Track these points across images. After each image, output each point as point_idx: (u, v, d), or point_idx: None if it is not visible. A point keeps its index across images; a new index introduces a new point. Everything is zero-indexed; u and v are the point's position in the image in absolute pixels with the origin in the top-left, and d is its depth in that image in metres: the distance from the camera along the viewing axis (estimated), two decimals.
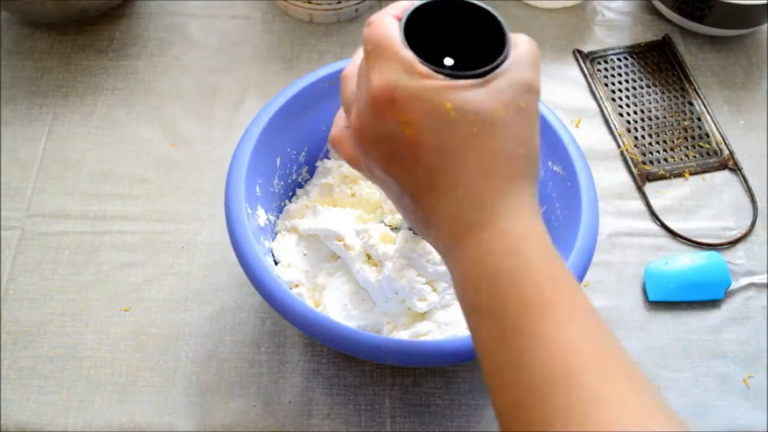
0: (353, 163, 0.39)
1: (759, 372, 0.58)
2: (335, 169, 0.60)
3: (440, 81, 0.34)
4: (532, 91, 0.35)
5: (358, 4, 0.76)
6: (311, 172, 0.61)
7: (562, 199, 0.54)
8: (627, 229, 0.65)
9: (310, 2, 0.75)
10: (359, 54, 0.38)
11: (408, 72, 0.34)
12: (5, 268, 0.60)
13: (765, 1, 0.71)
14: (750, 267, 0.63)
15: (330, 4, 0.75)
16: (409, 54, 0.34)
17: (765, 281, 0.62)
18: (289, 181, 0.59)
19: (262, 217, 0.54)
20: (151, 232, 0.63)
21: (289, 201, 0.60)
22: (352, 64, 0.39)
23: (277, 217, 0.58)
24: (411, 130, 0.34)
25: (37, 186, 0.65)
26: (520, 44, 0.36)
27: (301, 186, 0.61)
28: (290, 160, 0.58)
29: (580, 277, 0.48)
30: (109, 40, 0.75)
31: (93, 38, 0.75)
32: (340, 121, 0.40)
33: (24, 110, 0.69)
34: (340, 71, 0.57)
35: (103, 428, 0.54)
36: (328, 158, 0.61)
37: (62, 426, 0.54)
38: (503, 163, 0.34)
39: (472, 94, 0.34)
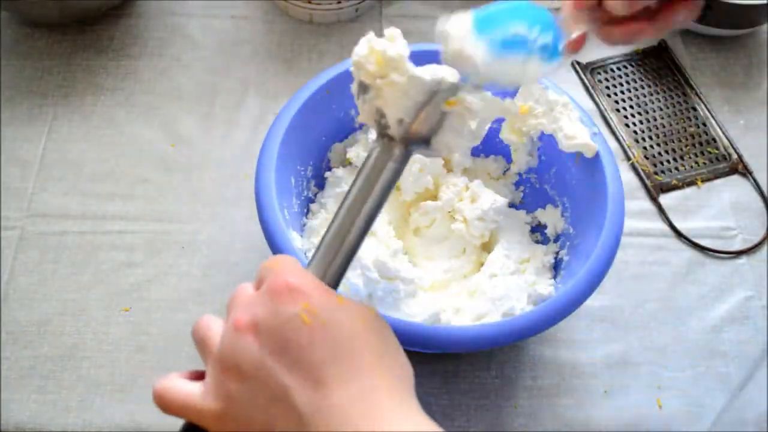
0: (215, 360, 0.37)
1: (759, 372, 0.58)
2: (347, 177, 0.59)
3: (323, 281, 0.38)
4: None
5: (358, 4, 0.76)
6: (319, 185, 0.61)
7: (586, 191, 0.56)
8: (627, 228, 0.65)
9: (310, 2, 0.75)
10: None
11: (307, 273, 0.37)
12: (5, 268, 0.60)
13: (765, 1, 0.71)
14: None
15: (330, 4, 0.75)
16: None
17: None
18: (303, 198, 0.59)
19: (297, 240, 0.54)
20: (151, 232, 0.63)
21: (305, 218, 0.59)
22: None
23: (302, 237, 0.57)
24: (308, 317, 0.34)
25: (37, 186, 0.65)
26: None
27: (312, 201, 0.60)
28: (301, 176, 0.58)
29: (603, 272, 0.50)
30: (109, 40, 0.75)
31: (93, 38, 0.75)
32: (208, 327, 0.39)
33: (24, 110, 0.69)
34: (335, 78, 0.57)
35: (103, 428, 0.54)
36: (329, 169, 0.61)
37: (62, 426, 0.54)
38: (389, 356, 0.36)
39: (354, 299, 0.38)
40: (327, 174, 0.60)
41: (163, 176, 0.66)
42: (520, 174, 0.63)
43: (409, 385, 0.36)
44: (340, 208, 0.40)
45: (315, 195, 0.61)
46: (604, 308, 0.61)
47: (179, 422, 0.54)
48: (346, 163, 0.61)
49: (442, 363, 0.58)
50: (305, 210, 0.59)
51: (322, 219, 0.57)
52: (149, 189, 0.65)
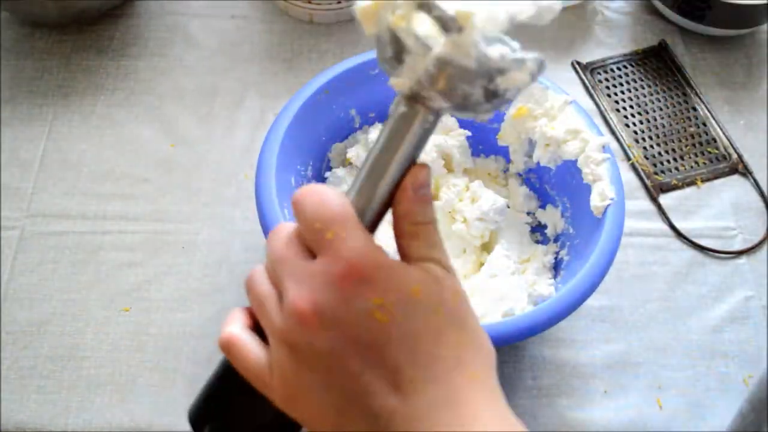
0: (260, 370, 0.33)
1: (759, 372, 0.58)
2: (348, 177, 0.59)
3: (399, 262, 0.32)
4: (454, 274, 0.33)
5: None
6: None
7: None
8: (627, 228, 0.65)
9: (310, 2, 0.75)
10: (281, 238, 0.33)
11: (377, 248, 0.31)
12: (5, 268, 0.60)
13: (765, 1, 0.71)
14: None
15: (330, 4, 0.75)
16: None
17: None
18: None
19: None
20: (151, 232, 0.63)
21: None
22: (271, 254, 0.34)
23: None
24: (382, 315, 0.30)
25: (37, 186, 0.65)
26: None
27: None
28: (301, 176, 0.58)
29: (603, 272, 0.50)
30: (109, 40, 0.74)
31: (93, 38, 0.74)
32: (237, 318, 0.36)
33: (24, 110, 0.69)
34: (335, 78, 0.57)
35: (103, 428, 0.54)
36: (329, 169, 0.61)
37: (62, 426, 0.54)
38: (472, 354, 0.32)
39: (429, 278, 0.32)
40: (327, 174, 0.60)
41: (163, 176, 0.66)
42: (519, 174, 0.63)
43: (491, 370, 0.33)
44: (362, 169, 0.34)
45: None
46: (604, 308, 0.61)
47: (179, 424, 0.54)
48: (346, 163, 0.61)
49: None
50: None
51: None
52: (149, 189, 0.65)
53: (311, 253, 0.32)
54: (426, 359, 0.30)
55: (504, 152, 0.63)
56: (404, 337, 0.30)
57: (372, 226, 0.34)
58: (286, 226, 0.34)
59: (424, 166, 0.33)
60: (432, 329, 0.31)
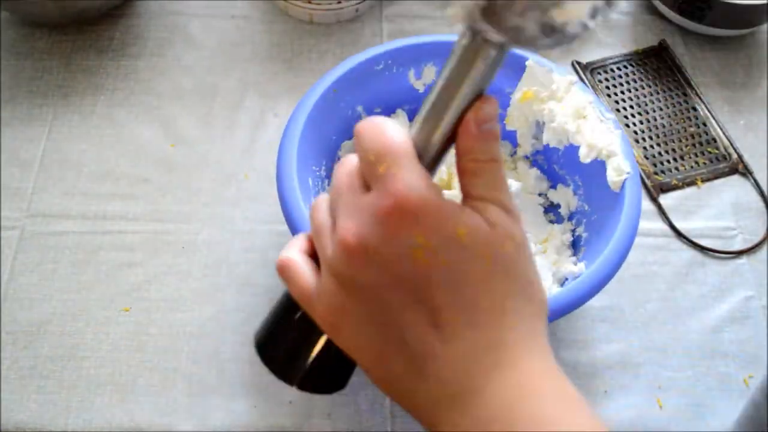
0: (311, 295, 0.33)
1: (759, 372, 0.58)
2: None
3: (451, 202, 0.30)
4: (521, 222, 0.32)
5: (358, 4, 0.76)
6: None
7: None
8: None
9: (310, 2, 0.75)
10: (346, 167, 0.33)
11: (429, 186, 0.30)
12: (5, 268, 0.60)
13: (765, 1, 0.71)
14: None
15: (330, 4, 0.75)
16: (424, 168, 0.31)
17: None
18: None
19: None
20: (151, 232, 0.63)
21: None
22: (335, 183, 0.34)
23: None
24: (425, 255, 0.29)
25: (37, 186, 0.65)
26: None
27: None
28: (316, 176, 0.58)
29: (629, 246, 0.51)
30: (109, 40, 0.74)
31: (93, 38, 0.74)
32: (297, 242, 0.36)
33: (24, 110, 0.69)
34: (343, 76, 0.57)
35: (103, 428, 0.54)
36: None
37: (62, 426, 0.54)
38: (519, 304, 0.31)
39: (480, 222, 0.31)
40: None
41: (163, 176, 0.66)
42: (527, 156, 0.63)
43: (539, 323, 0.32)
44: (424, 106, 0.33)
45: None
46: (604, 308, 0.61)
47: (179, 424, 0.54)
48: None
49: None
50: None
51: None
52: (149, 189, 0.65)
53: (368, 187, 0.32)
54: (467, 304, 0.30)
55: (510, 137, 0.63)
56: (445, 279, 0.30)
57: (432, 164, 0.33)
58: (351, 158, 0.34)
59: (489, 98, 0.32)
60: (476, 275, 0.30)
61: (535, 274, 0.32)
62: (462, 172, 0.32)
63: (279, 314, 0.37)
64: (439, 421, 0.31)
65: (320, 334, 0.35)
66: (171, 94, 0.71)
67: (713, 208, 0.67)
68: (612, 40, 0.77)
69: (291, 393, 0.56)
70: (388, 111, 0.62)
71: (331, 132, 0.59)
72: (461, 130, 0.32)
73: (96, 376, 0.56)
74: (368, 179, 0.32)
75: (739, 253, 0.64)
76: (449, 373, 0.30)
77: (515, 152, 0.64)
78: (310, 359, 0.36)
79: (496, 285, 0.30)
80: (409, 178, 0.30)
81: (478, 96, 0.32)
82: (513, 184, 0.58)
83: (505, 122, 0.61)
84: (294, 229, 0.51)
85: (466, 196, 0.32)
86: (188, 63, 0.73)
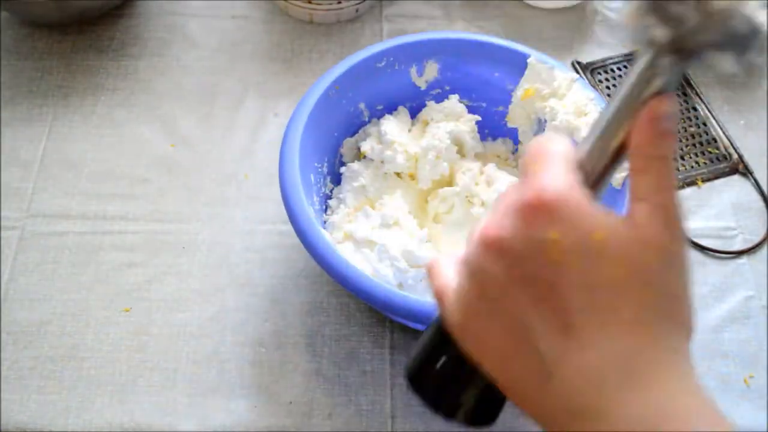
0: (445, 291, 0.33)
1: (759, 372, 0.58)
2: (363, 170, 0.60)
3: (593, 206, 0.29)
4: (680, 230, 0.30)
5: (358, 4, 0.76)
6: (333, 181, 0.61)
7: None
8: None
9: (310, 2, 0.75)
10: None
11: (572, 185, 0.29)
12: (5, 268, 0.60)
13: (765, 1, 0.71)
14: None
15: (330, 4, 0.75)
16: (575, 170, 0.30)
17: None
18: (321, 195, 0.59)
19: (327, 236, 0.53)
20: (151, 232, 0.63)
21: (325, 214, 0.59)
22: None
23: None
24: (559, 253, 0.28)
25: (37, 186, 0.65)
26: None
27: (329, 197, 0.61)
28: (318, 173, 0.58)
29: None
30: (109, 40, 0.74)
31: (93, 38, 0.74)
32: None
33: (24, 110, 0.69)
34: (344, 74, 0.57)
35: (104, 428, 0.54)
36: (342, 164, 0.61)
37: (62, 426, 0.54)
38: (656, 318, 0.29)
39: (623, 229, 0.29)
40: (342, 169, 0.61)
41: (163, 176, 0.66)
42: None
43: (680, 342, 0.29)
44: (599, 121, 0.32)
45: (331, 191, 0.61)
46: None
47: (179, 424, 0.54)
48: (360, 156, 0.62)
49: None
50: (324, 206, 0.59)
51: (342, 214, 0.58)
52: (149, 189, 0.65)
53: None
54: (598, 310, 0.28)
55: (511, 134, 0.63)
56: (575, 280, 0.28)
57: (596, 181, 0.31)
58: None
59: (666, 97, 0.30)
60: (609, 280, 0.28)
61: (684, 289, 0.30)
62: (631, 172, 0.31)
63: (432, 342, 0.36)
64: (574, 420, 0.29)
65: (474, 364, 0.33)
66: (171, 94, 0.71)
67: (713, 208, 0.67)
68: (612, 40, 0.77)
69: (291, 393, 0.56)
70: (390, 108, 0.62)
71: (333, 129, 0.59)
72: (636, 127, 0.30)
73: (96, 376, 0.56)
74: (523, 178, 0.31)
75: (739, 253, 0.64)
76: (577, 384, 0.28)
77: (516, 150, 0.64)
78: (466, 391, 0.35)
79: (630, 294, 0.29)
80: (553, 175, 0.30)
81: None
82: (514, 182, 0.58)
83: (506, 119, 0.61)
84: (296, 225, 0.51)
85: (633, 197, 0.31)
86: (188, 63, 0.73)
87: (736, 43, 0.27)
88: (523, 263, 0.29)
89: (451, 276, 0.33)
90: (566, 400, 0.29)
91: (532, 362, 0.29)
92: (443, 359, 0.35)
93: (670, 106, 0.30)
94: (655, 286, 0.29)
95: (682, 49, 0.28)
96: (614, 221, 0.29)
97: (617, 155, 0.31)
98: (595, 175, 0.31)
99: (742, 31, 0.27)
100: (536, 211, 0.29)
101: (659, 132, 0.30)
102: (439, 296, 0.33)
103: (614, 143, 0.31)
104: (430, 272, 0.35)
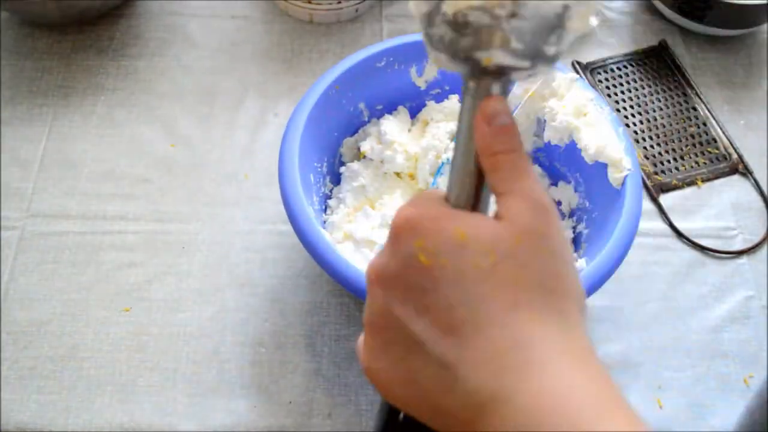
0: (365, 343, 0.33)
1: (759, 372, 0.58)
2: (363, 170, 0.60)
3: (452, 210, 0.31)
4: (547, 211, 0.31)
5: (358, 4, 0.76)
6: (333, 181, 0.61)
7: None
8: None
9: (310, 2, 0.75)
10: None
11: (428, 200, 0.32)
12: (5, 268, 0.60)
13: (765, 1, 0.71)
14: None
15: (330, 4, 0.75)
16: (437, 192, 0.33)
17: None
18: (321, 194, 0.59)
19: (327, 235, 0.54)
20: (151, 232, 0.63)
21: (324, 213, 0.59)
22: None
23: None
24: (426, 257, 0.30)
25: (37, 186, 0.65)
26: None
27: (328, 197, 0.61)
28: (318, 173, 0.58)
29: (631, 240, 0.51)
30: (109, 40, 0.74)
31: (93, 38, 0.74)
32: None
33: (24, 110, 0.69)
34: (344, 73, 0.58)
35: (104, 428, 0.54)
36: (342, 164, 0.61)
37: (62, 426, 0.54)
38: (534, 297, 0.29)
39: (485, 221, 0.31)
40: (342, 169, 0.61)
41: (163, 176, 0.66)
42: (528, 153, 0.63)
43: (574, 319, 0.30)
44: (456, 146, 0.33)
45: (330, 191, 0.61)
46: (604, 308, 0.61)
47: (179, 424, 0.54)
48: (360, 156, 0.61)
49: None
50: (324, 206, 0.59)
51: (342, 214, 0.58)
52: (149, 189, 0.65)
53: None
54: (474, 303, 0.29)
55: None
56: (450, 277, 0.29)
57: (469, 201, 0.32)
58: None
59: (494, 97, 0.31)
60: (480, 272, 0.29)
61: (565, 264, 0.31)
62: (486, 174, 0.32)
63: (382, 418, 0.36)
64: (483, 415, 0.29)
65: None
66: (171, 94, 0.71)
67: (713, 208, 0.67)
68: (612, 41, 0.77)
69: (291, 393, 0.56)
70: (390, 108, 0.63)
71: (333, 129, 0.60)
72: (474, 134, 0.31)
73: (96, 376, 0.56)
74: None
75: (739, 253, 0.64)
76: (474, 380, 0.29)
77: None
78: None
79: (504, 279, 0.29)
80: (412, 202, 0.32)
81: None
82: None
83: None
84: (296, 225, 0.51)
85: (497, 196, 0.32)
86: (188, 63, 0.73)
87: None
88: (398, 280, 0.30)
89: (360, 341, 0.34)
90: (468, 403, 0.29)
91: (434, 374, 0.30)
92: (390, 422, 0.35)
93: (497, 103, 0.31)
94: (533, 268, 0.30)
95: (495, 68, 0.30)
96: (478, 219, 0.31)
97: (477, 178, 0.32)
98: (464, 201, 0.32)
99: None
100: (399, 231, 0.30)
101: (496, 129, 0.31)
102: (357, 351, 0.34)
103: (470, 166, 0.32)
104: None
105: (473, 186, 0.32)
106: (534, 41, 0.30)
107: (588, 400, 0.28)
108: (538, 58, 0.30)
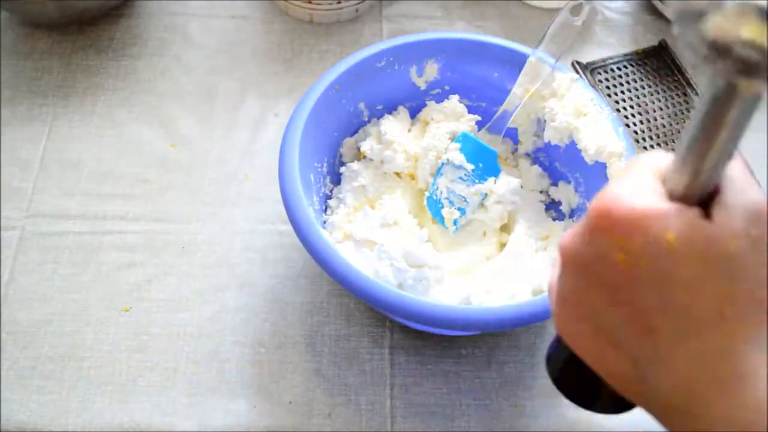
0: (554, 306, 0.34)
1: None
2: (363, 170, 0.60)
3: (664, 207, 0.29)
4: (763, 215, 0.29)
5: (358, 4, 0.76)
6: (333, 181, 0.61)
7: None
8: None
9: (310, 2, 0.75)
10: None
11: (639, 185, 0.30)
12: (5, 268, 0.60)
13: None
14: None
15: (330, 4, 0.75)
16: (649, 180, 0.30)
17: None
18: (321, 194, 0.59)
19: (327, 235, 0.54)
20: (151, 232, 0.63)
21: (324, 213, 0.59)
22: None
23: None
24: (625, 257, 0.28)
25: (37, 186, 0.65)
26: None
27: (329, 197, 0.61)
28: (318, 173, 0.58)
29: None
30: (109, 40, 0.74)
31: (93, 38, 0.74)
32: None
33: (24, 110, 0.69)
34: (344, 73, 0.58)
35: (104, 428, 0.54)
36: (342, 164, 0.61)
37: (62, 426, 0.54)
38: (743, 308, 0.28)
39: (698, 224, 0.28)
40: (342, 169, 0.61)
41: (163, 176, 0.66)
42: (528, 154, 0.64)
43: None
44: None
45: (330, 191, 0.61)
46: None
47: (179, 424, 0.54)
48: (360, 156, 0.62)
49: (442, 363, 0.58)
50: (324, 206, 0.59)
51: (342, 214, 0.58)
52: (149, 189, 0.65)
53: None
54: (678, 309, 0.28)
55: (511, 134, 0.63)
56: (650, 283, 0.28)
57: (688, 191, 0.30)
58: None
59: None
60: (686, 278, 0.28)
61: (757, 278, 0.29)
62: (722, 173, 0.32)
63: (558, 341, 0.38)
64: (669, 428, 0.30)
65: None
66: (171, 94, 0.71)
67: None
68: (612, 41, 0.77)
69: (291, 393, 0.56)
70: (390, 108, 0.63)
71: (333, 129, 0.60)
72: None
73: (96, 376, 0.56)
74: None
75: None
76: (670, 384, 0.29)
77: (517, 149, 0.64)
78: (597, 385, 0.35)
79: (711, 288, 0.28)
80: (621, 188, 0.30)
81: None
82: (513, 182, 0.59)
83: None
84: (296, 225, 0.51)
85: (716, 189, 0.31)
86: (188, 63, 0.73)
87: None
88: (590, 268, 0.30)
89: (556, 272, 0.34)
90: (661, 400, 0.29)
91: (624, 362, 0.30)
92: (570, 357, 0.35)
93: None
94: (741, 277, 0.28)
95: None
96: (692, 220, 0.28)
97: (706, 173, 0.30)
98: (683, 188, 0.30)
99: None
100: (597, 221, 0.29)
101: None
102: (549, 290, 0.35)
103: (700, 163, 0.30)
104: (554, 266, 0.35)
105: (696, 175, 0.30)
106: None
107: None
108: None
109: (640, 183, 0.30)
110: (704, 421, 0.28)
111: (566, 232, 0.32)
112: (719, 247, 0.28)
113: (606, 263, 0.29)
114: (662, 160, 0.31)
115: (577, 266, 0.31)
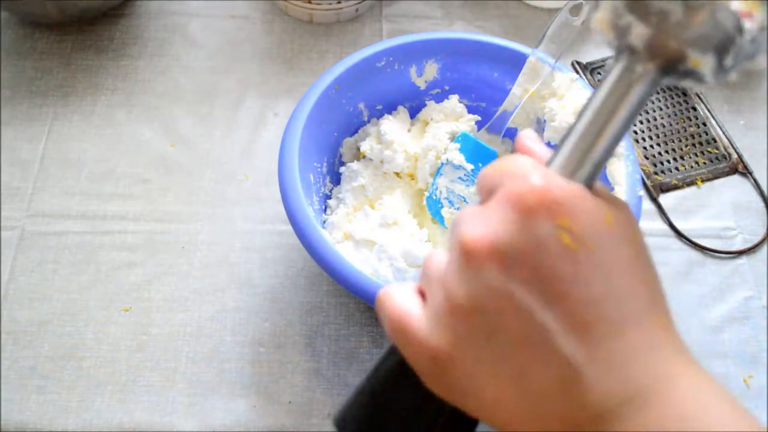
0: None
1: (759, 372, 0.58)
2: (363, 170, 0.60)
3: (587, 190, 0.28)
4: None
5: (358, 4, 0.76)
6: (333, 181, 0.61)
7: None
8: None
9: (310, 2, 0.75)
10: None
11: (541, 171, 0.28)
12: (5, 268, 0.60)
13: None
14: None
15: (330, 4, 0.75)
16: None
17: None
18: (320, 194, 0.59)
19: (327, 235, 0.54)
20: (151, 232, 0.63)
21: (324, 213, 0.60)
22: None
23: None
24: (572, 240, 0.26)
25: (37, 186, 0.65)
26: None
27: (328, 197, 0.61)
28: (318, 173, 0.58)
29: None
30: (109, 40, 0.75)
31: (93, 38, 0.75)
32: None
33: (24, 110, 0.69)
34: (344, 73, 0.58)
35: (103, 428, 0.54)
36: (342, 164, 0.61)
37: (62, 426, 0.54)
38: (661, 295, 0.27)
39: (620, 204, 0.28)
40: (342, 169, 0.61)
41: (163, 176, 0.66)
42: None
43: (669, 314, 0.28)
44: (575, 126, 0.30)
45: (330, 191, 0.61)
46: None
47: (179, 424, 0.54)
48: (359, 156, 0.62)
49: None
50: (324, 206, 0.59)
51: (341, 214, 0.58)
52: (149, 189, 0.65)
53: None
54: (619, 295, 0.26)
55: (511, 134, 0.63)
56: (596, 267, 0.26)
57: (590, 177, 0.29)
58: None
59: None
60: (624, 261, 0.26)
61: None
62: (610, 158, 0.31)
63: (382, 382, 0.32)
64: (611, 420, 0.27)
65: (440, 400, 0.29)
66: (171, 94, 0.71)
67: (713, 208, 0.67)
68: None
69: (291, 393, 0.56)
70: (390, 108, 0.63)
71: (333, 129, 0.60)
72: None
73: (96, 376, 0.56)
74: (490, 193, 0.29)
75: (739, 253, 0.64)
76: (606, 383, 0.26)
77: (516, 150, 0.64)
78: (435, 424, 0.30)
79: (643, 274, 0.27)
80: (546, 173, 0.27)
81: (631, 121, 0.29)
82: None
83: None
84: (295, 225, 0.51)
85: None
86: (188, 63, 0.73)
87: (719, 41, 0.25)
88: (525, 259, 0.26)
89: (411, 301, 0.30)
90: (598, 401, 0.26)
91: (554, 368, 0.26)
92: (404, 398, 0.31)
93: None
94: (651, 265, 0.28)
95: (662, 53, 0.27)
96: (616, 204, 0.28)
97: (597, 163, 0.29)
98: (581, 178, 0.29)
99: (727, 28, 0.25)
100: (535, 201, 0.26)
101: None
102: (400, 326, 0.29)
103: (591, 154, 0.29)
104: (384, 302, 0.30)
105: (592, 167, 0.29)
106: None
107: (724, 405, 0.27)
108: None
109: (553, 174, 0.28)
110: (654, 416, 0.26)
111: (463, 223, 0.28)
112: (638, 231, 0.28)
113: (548, 249, 0.26)
114: (537, 154, 0.30)
115: (507, 258, 0.26)
